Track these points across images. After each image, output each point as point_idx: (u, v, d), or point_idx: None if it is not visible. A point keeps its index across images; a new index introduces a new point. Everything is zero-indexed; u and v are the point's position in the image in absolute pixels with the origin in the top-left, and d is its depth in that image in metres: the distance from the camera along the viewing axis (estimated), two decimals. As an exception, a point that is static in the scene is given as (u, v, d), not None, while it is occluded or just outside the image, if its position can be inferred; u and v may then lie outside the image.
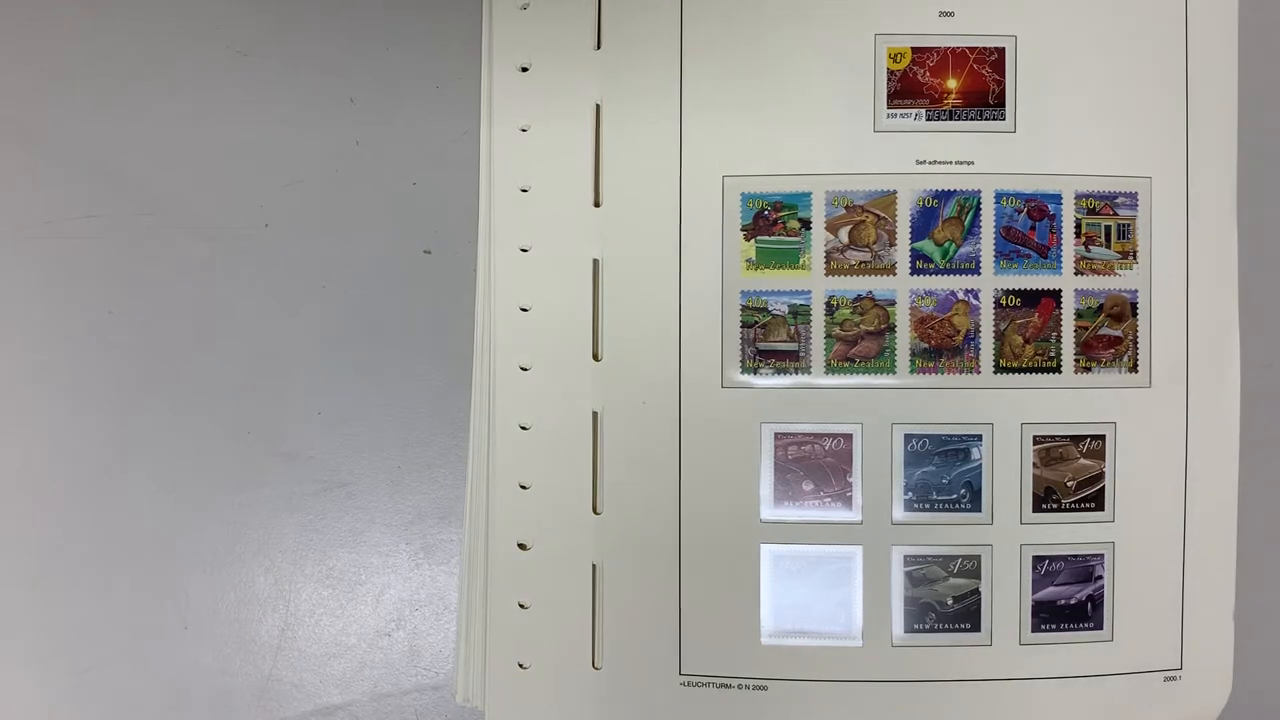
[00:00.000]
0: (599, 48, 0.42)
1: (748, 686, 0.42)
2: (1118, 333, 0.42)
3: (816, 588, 0.42)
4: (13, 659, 0.44)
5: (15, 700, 0.44)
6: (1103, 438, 0.42)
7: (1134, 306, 0.42)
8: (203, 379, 0.44)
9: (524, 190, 0.42)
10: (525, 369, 0.42)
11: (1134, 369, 0.42)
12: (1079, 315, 0.42)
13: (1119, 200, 0.42)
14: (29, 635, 0.44)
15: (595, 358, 0.42)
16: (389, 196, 0.44)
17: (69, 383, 0.44)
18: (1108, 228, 0.42)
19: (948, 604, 0.42)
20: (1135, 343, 0.42)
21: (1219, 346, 0.42)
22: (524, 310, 0.42)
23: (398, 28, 0.44)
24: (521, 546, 0.42)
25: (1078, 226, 0.42)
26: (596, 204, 0.42)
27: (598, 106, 0.42)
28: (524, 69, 0.42)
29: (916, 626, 0.42)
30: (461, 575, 0.43)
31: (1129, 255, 0.42)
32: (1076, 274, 0.42)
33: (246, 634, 0.44)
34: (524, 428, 0.42)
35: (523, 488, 0.42)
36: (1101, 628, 0.42)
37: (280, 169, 0.44)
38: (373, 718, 0.44)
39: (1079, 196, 0.42)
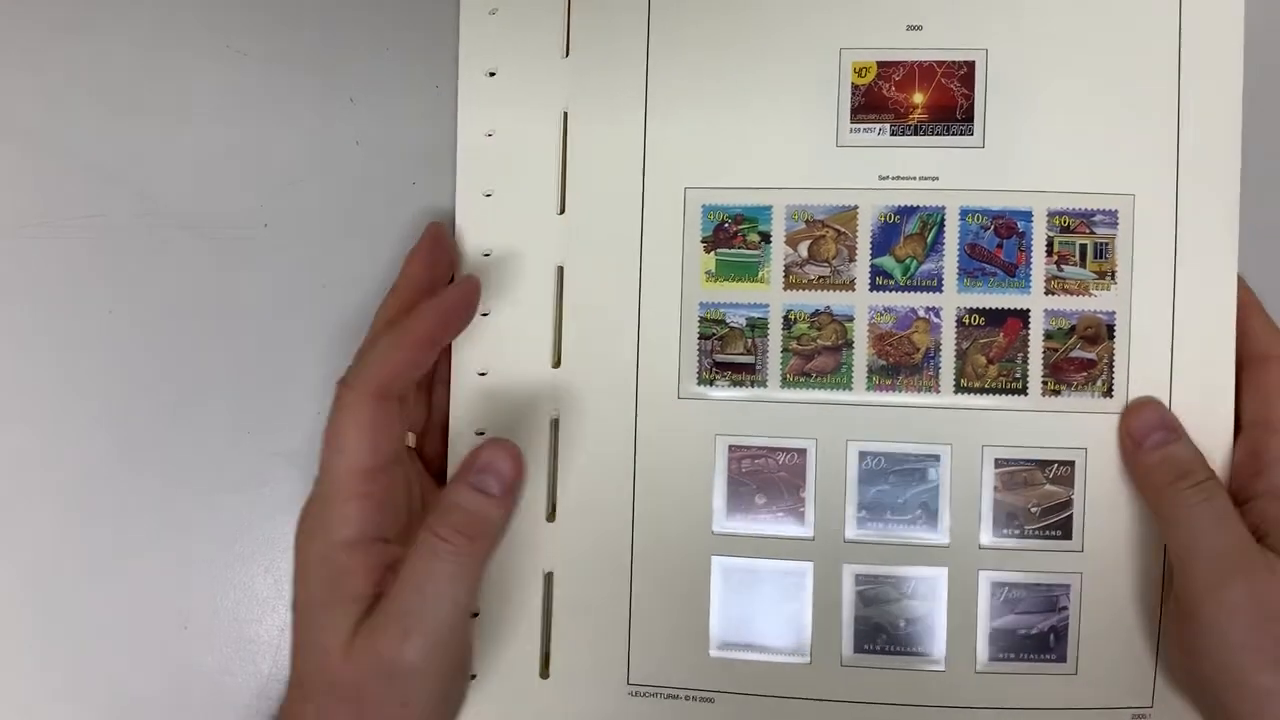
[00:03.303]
0: (567, 55, 0.42)
1: (695, 698, 0.42)
2: (1091, 355, 0.41)
3: (766, 602, 0.41)
4: (13, 659, 0.45)
5: (16, 699, 0.45)
6: (1071, 464, 0.41)
7: (1110, 329, 0.41)
8: (203, 379, 0.45)
9: (487, 195, 0.43)
10: (482, 374, 0.42)
11: (1108, 394, 0.41)
12: (1049, 336, 0.41)
13: (1096, 218, 0.41)
14: (29, 635, 0.45)
15: (555, 364, 0.42)
16: (389, 196, 0.45)
17: (69, 383, 0.45)
18: (1083, 246, 0.41)
19: (899, 625, 0.41)
20: (1110, 366, 0.41)
21: (1211, 373, 0.40)
22: (483, 315, 0.42)
23: (397, 28, 0.45)
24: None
25: (1049, 244, 0.41)
26: (561, 211, 0.43)
27: (565, 114, 0.42)
28: (491, 74, 0.43)
29: (867, 647, 0.41)
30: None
31: (1106, 275, 0.41)
32: (1047, 294, 0.41)
33: (246, 634, 0.45)
34: (479, 433, 0.42)
35: (479, 491, 0.43)
36: (1065, 660, 0.41)
37: (280, 169, 0.45)
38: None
39: (1051, 214, 0.41)
